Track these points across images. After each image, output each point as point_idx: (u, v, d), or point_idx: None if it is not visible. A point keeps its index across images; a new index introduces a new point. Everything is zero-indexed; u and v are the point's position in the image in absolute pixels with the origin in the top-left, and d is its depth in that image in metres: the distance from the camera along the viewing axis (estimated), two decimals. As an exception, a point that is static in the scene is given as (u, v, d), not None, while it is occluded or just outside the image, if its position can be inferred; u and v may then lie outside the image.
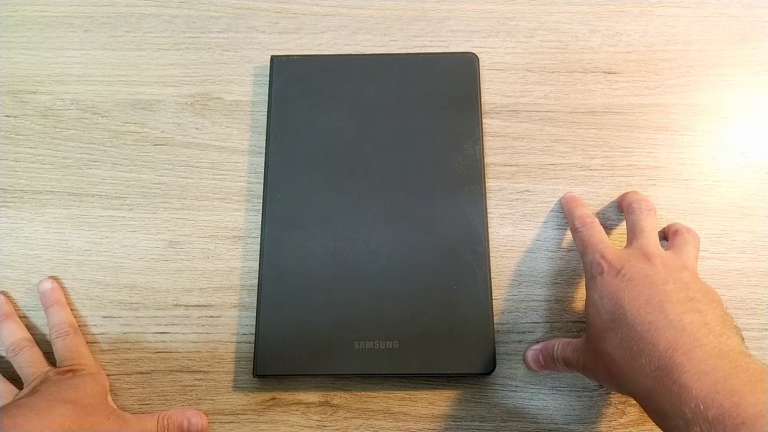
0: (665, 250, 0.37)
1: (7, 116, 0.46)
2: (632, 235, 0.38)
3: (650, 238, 0.37)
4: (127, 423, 0.37)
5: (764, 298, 0.41)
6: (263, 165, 0.44)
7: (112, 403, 0.38)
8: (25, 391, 0.37)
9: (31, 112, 0.46)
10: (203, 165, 0.45)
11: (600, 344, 0.32)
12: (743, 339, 0.31)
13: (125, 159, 0.45)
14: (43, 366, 0.39)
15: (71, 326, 0.40)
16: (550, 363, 0.38)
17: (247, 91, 0.47)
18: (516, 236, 0.43)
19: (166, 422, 0.37)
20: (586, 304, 0.35)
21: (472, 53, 0.46)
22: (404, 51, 0.47)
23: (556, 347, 0.37)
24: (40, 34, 0.48)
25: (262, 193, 0.43)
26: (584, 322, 0.41)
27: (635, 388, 0.30)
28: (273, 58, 0.46)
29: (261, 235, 0.42)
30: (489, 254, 0.41)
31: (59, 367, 0.38)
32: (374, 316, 0.40)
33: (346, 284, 0.40)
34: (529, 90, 0.47)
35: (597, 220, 0.40)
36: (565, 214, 0.43)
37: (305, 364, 0.39)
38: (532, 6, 0.49)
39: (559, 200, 0.43)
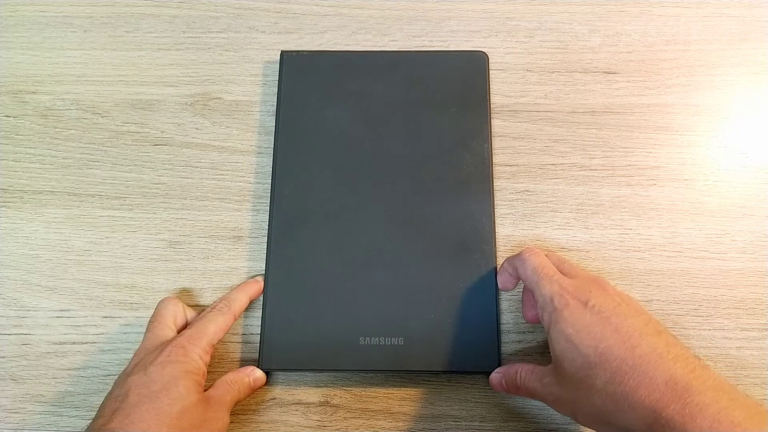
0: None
1: (7, 116, 0.46)
2: (566, 271, 0.36)
3: (585, 270, 0.36)
4: (220, 415, 0.35)
5: (764, 298, 0.41)
6: (264, 165, 0.44)
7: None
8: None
9: (31, 112, 0.46)
10: (203, 165, 0.45)
11: (586, 381, 0.31)
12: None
13: (125, 159, 0.45)
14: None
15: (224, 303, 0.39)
16: (512, 389, 0.37)
17: (247, 91, 0.47)
18: (516, 236, 0.43)
19: (238, 387, 0.37)
20: (556, 339, 0.33)
21: (482, 52, 0.46)
22: (406, 50, 0.47)
23: (519, 374, 0.36)
24: (40, 34, 0.48)
25: (262, 193, 0.44)
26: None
27: (632, 422, 0.29)
28: (283, 54, 0.46)
29: (268, 230, 0.42)
30: (496, 253, 0.41)
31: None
32: (380, 313, 0.40)
33: (353, 280, 0.40)
34: (529, 90, 0.47)
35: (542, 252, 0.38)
36: (508, 267, 0.39)
37: (310, 360, 0.39)
38: (532, 6, 0.49)
39: (502, 266, 0.40)
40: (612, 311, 0.32)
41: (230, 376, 0.38)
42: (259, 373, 0.39)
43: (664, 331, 0.32)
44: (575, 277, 0.36)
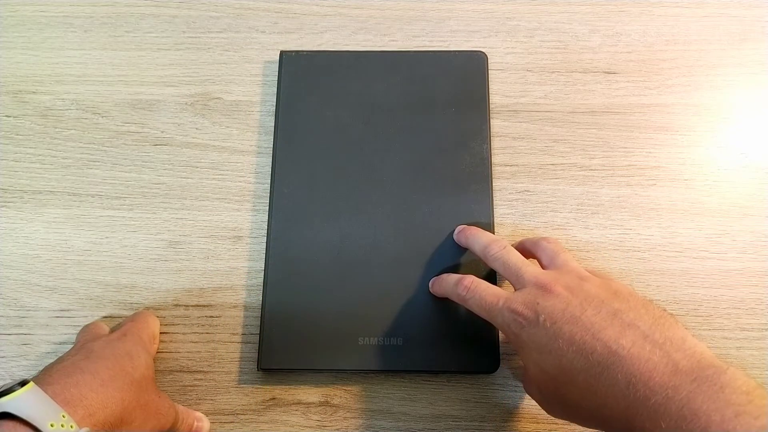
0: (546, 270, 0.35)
1: (7, 116, 0.46)
2: (511, 275, 0.35)
3: (531, 269, 0.35)
4: (171, 405, 0.35)
5: (764, 298, 0.41)
6: (263, 165, 0.44)
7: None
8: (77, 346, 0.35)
9: (31, 112, 0.46)
10: (203, 165, 0.45)
11: (564, 398, 0.31)
12: (678, 321, 0.30)
13: (125, 159, 0.45)
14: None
15: None
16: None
17: (247, 91, 0.47)
18: (516, 236, 0.43)
19: (184, 417, 0.37)
20: (526, 363, 0.33)
21: (481, 52, 0.46)
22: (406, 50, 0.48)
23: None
24: (40, 34, 0.48)
25: (262, 193, 0.44)
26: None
27: (614, 424, 0.29)
28: (282, 53, 0.46)
29: (268, 230, 0.42)
30: None
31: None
32: (379, 313, 0.40)
33: (352, 280, 0.40)
34: (529, 90, 0.47)
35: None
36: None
37: (309, 359, 0.39)
38: (532, 6, 0.49)
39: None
40: (562, 316, 0.31)
41: (182, 407, 0.37)
42: (206, 425, 0.38)
43: (620, 310, 0.30)
44: (522, 276, 0.34)
